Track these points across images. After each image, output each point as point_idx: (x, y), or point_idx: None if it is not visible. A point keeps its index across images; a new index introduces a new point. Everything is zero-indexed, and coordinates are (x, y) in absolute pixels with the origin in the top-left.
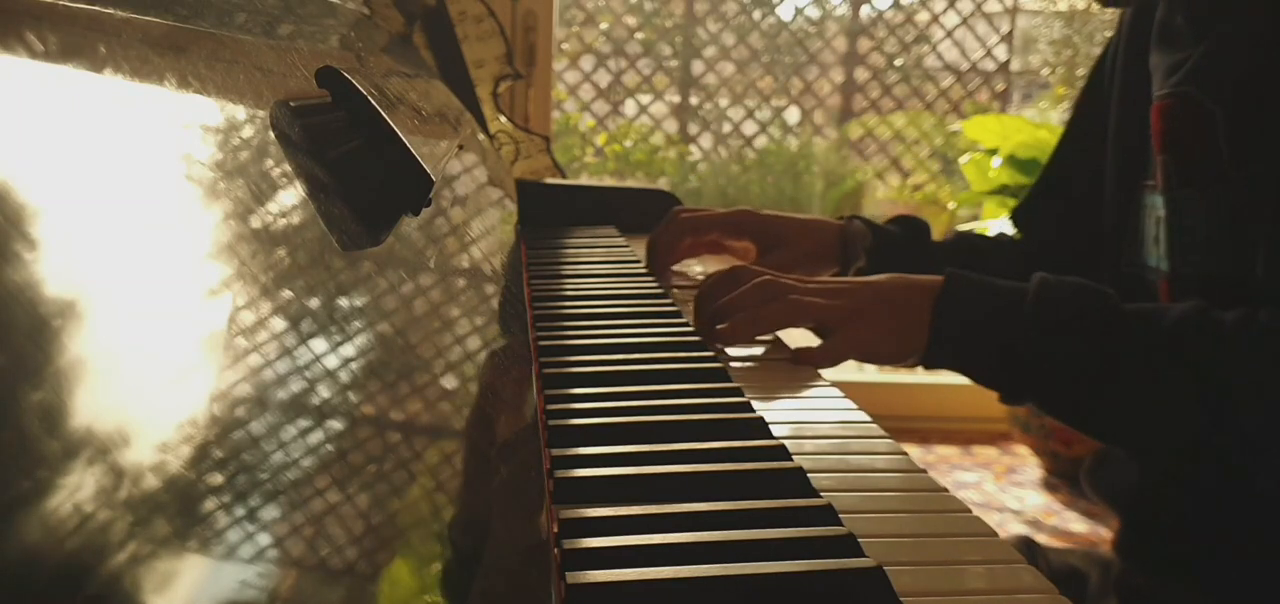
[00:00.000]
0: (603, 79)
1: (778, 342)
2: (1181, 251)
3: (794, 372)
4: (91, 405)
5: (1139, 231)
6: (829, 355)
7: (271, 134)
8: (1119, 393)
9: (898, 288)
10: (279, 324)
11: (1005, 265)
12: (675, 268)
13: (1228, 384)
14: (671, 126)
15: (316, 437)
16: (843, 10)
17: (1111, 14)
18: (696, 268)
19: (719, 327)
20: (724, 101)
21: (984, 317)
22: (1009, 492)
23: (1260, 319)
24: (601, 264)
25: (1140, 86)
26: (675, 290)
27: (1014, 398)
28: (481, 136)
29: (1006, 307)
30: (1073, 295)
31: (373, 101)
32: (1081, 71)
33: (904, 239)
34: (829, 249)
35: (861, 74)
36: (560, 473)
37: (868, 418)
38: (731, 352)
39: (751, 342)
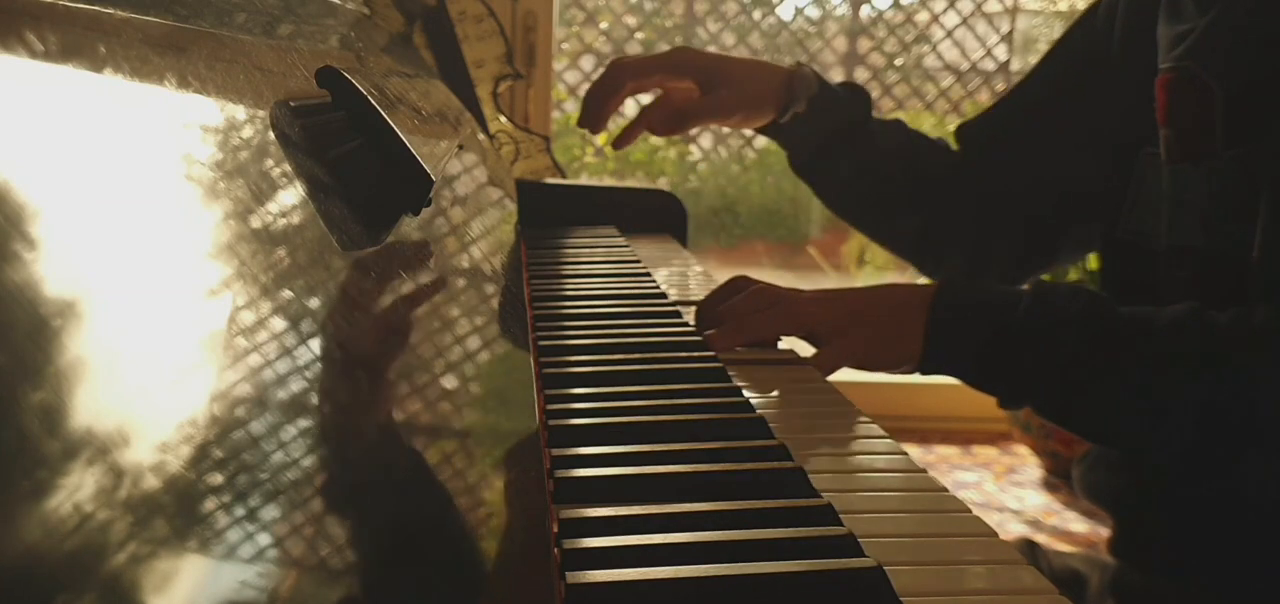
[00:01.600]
0: None
1: (791, 352)
2: (1179, 225)
3: (794, 372)
4: (91, 405)
5: (1138, 199)
6: (823, 364)
7: (271, 134)
8: (1114, 396)
9: (890, 295)
10: (279, 324)
11: (939, 166)
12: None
13: (1222, 386)
14: None
15: (316, 437)
16: (843, 10)
17: None
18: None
19: (708, 332)
20: None
21: (978, 322)
22: (1009, 492)
23: (1255, 319)
24: (601, 264)
25: (1144, 52)
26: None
27: (1011, 402)
28: (481, 136)
29: (1001, 311)
30: (1068, 299)
31: (373, 101)
32: None
33: (845, 99)
34: (771, 93)
35: (861, 74)
36: (560, 473)
37: (868, 418)
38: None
39: (739, 347)
